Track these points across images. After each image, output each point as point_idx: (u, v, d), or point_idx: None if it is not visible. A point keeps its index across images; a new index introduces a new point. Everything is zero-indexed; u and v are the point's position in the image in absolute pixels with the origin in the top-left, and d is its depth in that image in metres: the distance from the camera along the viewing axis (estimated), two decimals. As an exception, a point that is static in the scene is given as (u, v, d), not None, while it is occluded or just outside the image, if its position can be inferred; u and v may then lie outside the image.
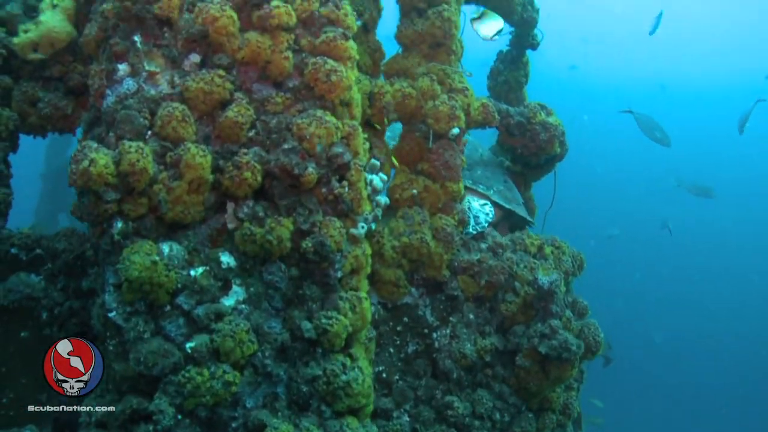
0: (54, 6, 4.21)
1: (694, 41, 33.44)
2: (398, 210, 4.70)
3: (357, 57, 4.06)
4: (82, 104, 4.30)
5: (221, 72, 3.73)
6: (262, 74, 3.86)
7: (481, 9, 5.20)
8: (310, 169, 3.72)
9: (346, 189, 3.87)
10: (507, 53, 6.40)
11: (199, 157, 3.56)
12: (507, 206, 5.59)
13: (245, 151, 3.68)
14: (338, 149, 3.82)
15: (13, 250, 4.09)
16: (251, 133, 3.76)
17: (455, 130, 4.71)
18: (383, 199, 4.21)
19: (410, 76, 4.87)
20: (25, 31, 4.14)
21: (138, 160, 3.46)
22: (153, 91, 3.69)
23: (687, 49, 33.49)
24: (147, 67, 3.73)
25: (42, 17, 4.17)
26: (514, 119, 5.26)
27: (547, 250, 5.10)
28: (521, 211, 5.77)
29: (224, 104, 3.75)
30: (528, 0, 5.71)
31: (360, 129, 4.00)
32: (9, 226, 4.26)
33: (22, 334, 4.09)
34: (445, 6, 4.90)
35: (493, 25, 5.14)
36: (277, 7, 3.83)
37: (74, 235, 4.16)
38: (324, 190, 3.82)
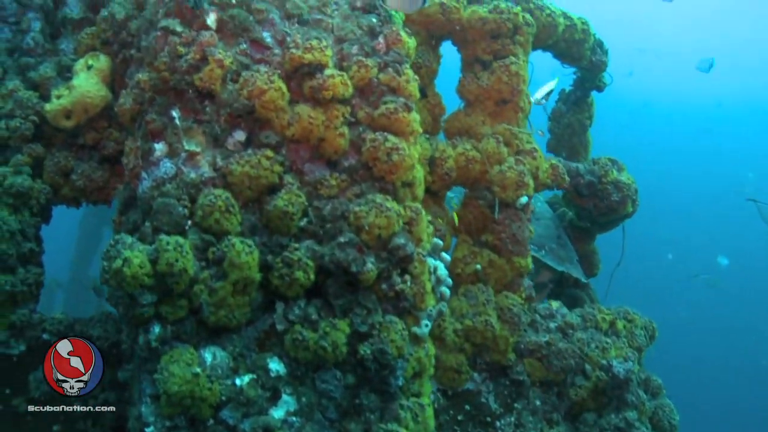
0: (89, 67, 3.74)
1: (752, 56, 31.08)
2: (460, 286, 4.14)
3: (420, 130, 3.51)
4: (117, 172, 3.82)
5: (269, 153, 3.22)
6: (315, 153, 3.34)
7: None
8: (369, 266, 3.19)
9: (409, 283, 3.33)
10: (570, 94, 5.78)
11: (245, 254, 3.06)
12: (560, 268, 5.03)
13: (296, 246, 3.17)
14: (400, 240, 3.28)
15: (45, 336, 3.65)
16: (303, 222, 3.24)
17: (523, 199, 4.14)
18: (447, 290, 3.66)
19: (474, 136, 4.30)
20: (58, 97, 3.69)
21: (177, 260, 2.97)
22: (193, 174, 3.20)
23: (744, 64, 31.10)
24: (186, 147, 3.23)
25: (75, 81, 3.70)
26: (584, 179, 4.65)
27: (619, 325, 4.51)
28: (575, 272, 5.21)
29: (272, 189, 3.24)
30: (598, 43, 5.08)
31: (423, 212, 3.45)
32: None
33: (55, 428, 3.65)
34: (513, 59, 4.32)
35: (544, 88, 4.55)
36: (332, 76, 3.30)
37: (109, 321, 3.71)
38: (384, 286, 3.29)
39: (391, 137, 3.37)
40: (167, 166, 3.22)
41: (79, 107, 3.69)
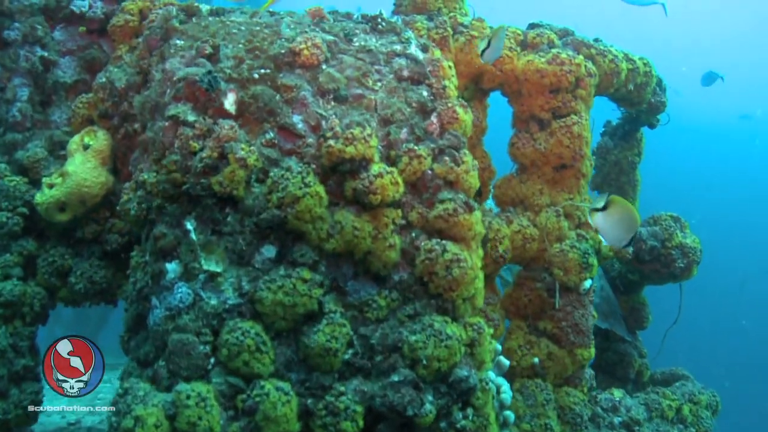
0: (85, 147, 3.05)
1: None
2: (514, 379, 3.50)
3: (483, 230, 2.83)
4: (123, 267, 3.15)
5: (305, 274, 2.56)
6: (360, 268, 2.66)
7: None
8: (428, 406, 2.56)
9: (471, 417, 2.70)
10: (617, 127, 5.06)
11: (281, 405, 2.43)
12: (603, 326, 4.42)
13: (342, 389, 2.52)
14: (462, 372, 2.64)
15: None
16: (348, 355, 2.59)
17: (587, 284, 3.48)
18: (512, 415, 3.02)
19: (530, 207, 3.61)
20: (50, 186, 3.00)
21: (200, 417, 2.35)
22: (215, 301, 2.54)
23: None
24: (205, 267, 2.56)
25: (70, 166, 3.00)
26: (646, 244, 3.98)
27: (686, 410, 3.91)
28: (620, 330, 4.60)
29: (310, 315, 2.57)
30: (659, 84, 4.34)
31: (486, 328, 2.80)
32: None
33: None
34: (575, 118, 3.60)
35: None
36: (380, 176, 2.61)
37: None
38: (443, 424, 2.66)
39: (450, 246, 2.69)
40: (183, 292, 2.55)
41: (75, 199, 3.00)
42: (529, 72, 3.64)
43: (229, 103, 2.72)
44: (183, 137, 2.62)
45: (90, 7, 3.41)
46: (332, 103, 2.83)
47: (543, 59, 3.64)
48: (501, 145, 3.85)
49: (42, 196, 3.01)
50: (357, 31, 3.10)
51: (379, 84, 2.92)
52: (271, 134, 2.71)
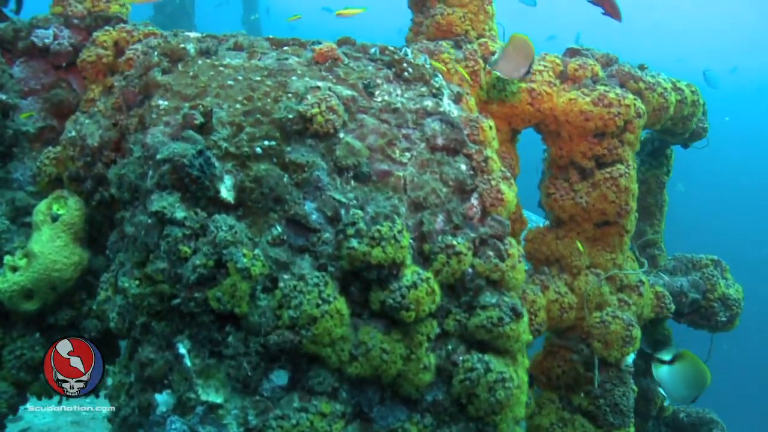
0: (54, 219, 2.44)
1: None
2: (543, 457, 3.06)
3: (530, 337, 2.31)
4: (105, 358, 2.59)
5: (324, 407, 2.04)
6: (387, 392, 2.13)
7: None
8: None
9: None
10: (645, 143, 4.46)
11: None
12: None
13: None
14: None
15: None
16: (373, 496, 2.08)
17: (629, 359, 2.99)
18: None
19: (566, 268, 3.07)
20: (13, 269, 2.42)
21: None
22: (215, 440, 2.00)
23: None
24: (203, 396, 2.04)
25: (35, 245, 2.41)
26: (687, 297, 3.48)
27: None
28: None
29: (329, 452, 2.05)
30: (705, 111, 3.74)
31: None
32: None
33: None
34: (621, 168, 3.02)
35: None
36: (414, 286, 2.05)
37: None
38: None
39: (494, 363, 2.18)
40: (177, 429, 2.01)
41: (44, 285, 2.42)
42: (572, 113, 3.03)
43: (227, 189, 2.12)
44: (171, 240, 2.02)
45: (55, 37, 2.72)
46: (352, 183, 2.23)
47: (588, 99, 3.02)
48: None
49: (4, 282, 2.42)
50: (378, 81, 2.47)
51: (408, 155, 2.32)
52: (279, 229, 2.13)
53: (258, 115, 2.26)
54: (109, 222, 2.57)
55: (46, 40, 2.70)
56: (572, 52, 3.32)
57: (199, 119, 2.16)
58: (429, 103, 2.46)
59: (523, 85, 3.03)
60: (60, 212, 2.50)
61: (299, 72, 2.47)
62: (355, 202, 2.20)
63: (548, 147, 3.23)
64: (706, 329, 3.72)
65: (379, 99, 2.42)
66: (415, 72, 2.54)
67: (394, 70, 2.55)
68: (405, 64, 2.55)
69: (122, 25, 2.73)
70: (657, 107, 3.24)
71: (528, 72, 2.56)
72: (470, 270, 2.26)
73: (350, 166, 2.23)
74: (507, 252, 2.31)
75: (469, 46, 3.08)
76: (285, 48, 2.68)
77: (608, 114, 2.99)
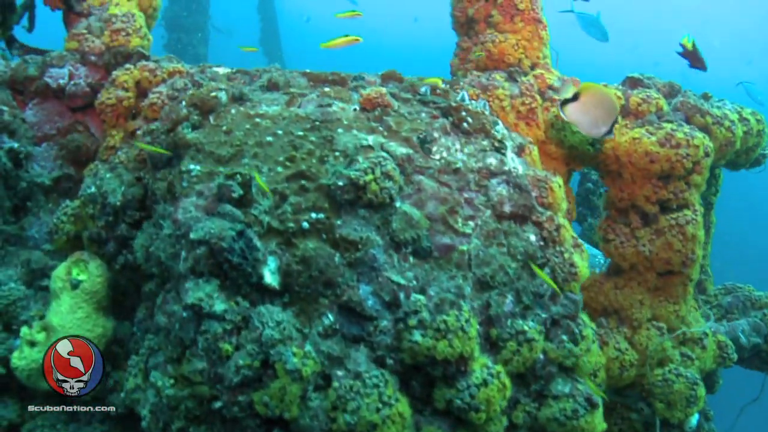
0: (74, 285, 2.16)
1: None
2: None
3: (605, 426, 2.03)
4: None
5: None
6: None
7: None
8: None
9: None
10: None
11: None
12: None
13: None
14: None
15: None
16: None
17: (694, 420, 2.72)
18: None
19: (626, 320, 2.79)
20: (31, 344, 2.15)
21: None
22: None
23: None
24: None
25: (54, 317, 2.15)
26: (747, 341, 3.18)
27: None
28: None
29: None
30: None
31: None
32: None
33: None
34: (688, 214, 2.71)
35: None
36: (484, 384, 1.78)
37: None
38: None
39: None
40: None
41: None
42: (636, 154, 2.70)
43: (271, 272, 1.82)
44: (210, 336, 1.73)
45: (70, 77, 2.40)
46: (411, 259, 1.93)
47: (653, 138, 2.69)
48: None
49: (21, 359, 2.15)
50: (435, 134, 2.14)
51: (471, 224, 2.01)
52: (331, 317, 1.83)
53: (303, 181, 1.95)
54: (134, 287, 2.29)
55: (61, 81, 2.38)
56: (633, 82, 2.97)
57: (236, 191, 1.86)
58: (492, 160, 2.14)
59: (583, 123, 2.69)
60: (80, 278, 2.21)
61: (345, 122, 2.15)
62: (415, 282, 1.90)
63: (606, 185, 2.92)
64: (765, 372, 3.44)
65: (437, 157, 2.10)
66: (474, 122, 2.22)
67: (451, 119, 2.22)
68: (464, 113, 2.23)
69: (144, 62, 2.40)
70: (724, 142, 2.91)
71: (609, 132, 2.24)
72: (542, 356, 1.97)
73: (408, 240, 1.93)
74: (581, 334, 2.02)
75: (524, 78, 2.74)
76: (326, 89, 2.35)
77: (676, 156, 2.67)
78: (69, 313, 2.17)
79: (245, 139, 2.05)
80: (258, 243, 1.81)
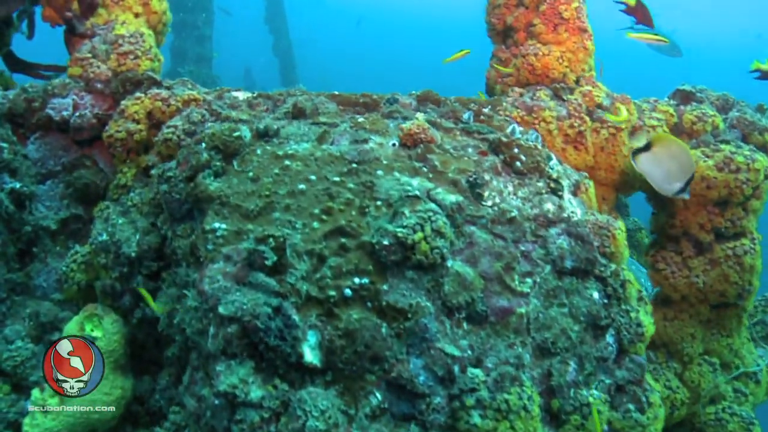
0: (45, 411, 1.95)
1: None
2: None
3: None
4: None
5: None
6: None
7: None
8: None
9: None
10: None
11: None
12: None
13: None
14: None
15: None
16: None
17: (749, 459, 2.51)
18: None
19: (676, 355, 2.59)
20: (43, 411, 1.95)
21: None
22: None
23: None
24: None
25: (68, 379, 1.90)
26: (795, 365, 2.97)
27: None
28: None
29: None
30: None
31: None
32: None
33: None
34: (746, 243, 2.48)
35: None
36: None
37: None
38: None
39: None
40: None
41: (82, 429, 1.93)
42: (693, 180, 2.44)
43: (311, 348, 1.59)
44: (246, 427, 1.51)
45: (75, 107, 2.13)
46: (465, 326, 1.70)
47: (710, 162, 2.43)
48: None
49: (34, 427, 1.93)
50: (486, 176, 1.89)
51: (530, 282, 1.78)
52: (379, 396, 1.61)
53: (342, 239, 1.71)
54: (154, 340, 2.06)
55: (65, 113, 2.11)
56: (684, 97, 2.69)
57: (270, 257, 1.61)
58: (550, 206, 1.89)
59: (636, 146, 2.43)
60: (95, 334, 1.99)
61: (385, 162, 1.90)
62: (470, 352, 1.68)
63: (655, 210, 2.67)
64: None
65: (490, 203, 1.85)
66: (528, 160, 1.96)
67: (502, 157, 1.97)
68: (516, 150, 1.97)
69: (156, 90, 2.13)
70: (782, 161, 2.66)
71: (684, 190, 2.00)
72: (606, 427, 1.76)
73: (462, 304, 1.70)
74: (648, 401, 1.81)
75: (571, 97, 2.47)
76: (359, 120, 2.08)
77: (735, 181, 2.41)
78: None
79: (275, 188, 1.79)
80: (296, 317, 1.58)
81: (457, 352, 1.66)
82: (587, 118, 2.44)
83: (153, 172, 2.03)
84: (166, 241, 1.99)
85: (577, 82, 2.61)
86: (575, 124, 2.39)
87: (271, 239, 1.64)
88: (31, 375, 2.02)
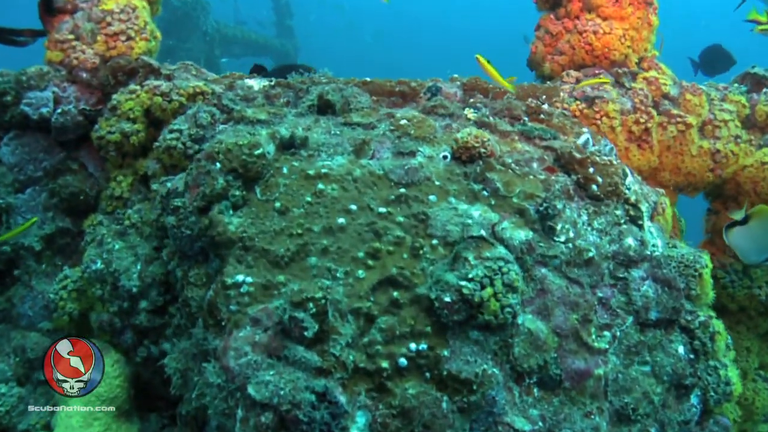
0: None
1: None
2: None
3: None
4: None
5: None
6: None
7: None
8: None
9: None
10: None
11: None
12: None
13: None
14: None
15: None
16: None
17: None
18: None
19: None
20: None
21: None
22: None
23: None
24: None
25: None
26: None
27: None
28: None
29: None
30: None
31: None
32: None
33: None
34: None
35: None
36: None
37: None
38: None
39: None
40: None
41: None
42: (763, 183, 2.11)
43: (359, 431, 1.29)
44: None
45: (56, 102, 1.69)
46: (536, 392, 1.41)
47: (788, 164, 2.09)
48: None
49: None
50: (558, 204, 1.54)
51: (608, 336, 1.47)
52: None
53: (394, 293, 1.37)
54: (161, 380, 1.75)
55: (44, 110, 1.68)
56: (755, 81, 2.30)
57: (310, 327, 1.27)
58: (631, 242, 1.56)
59: (705, 144, 2.08)
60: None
61: (437, 183, 1.54)
62: (541, 424, 1.39)
63: (715, 210, 2.35)
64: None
65: (563, 238, 1.51)
66: (605, 182, 1.61)
67: (575, 177, 1.60)
68: (591, 170, 1.61)
69: (154, 81, 1.69)
70: None
71: None
72: (684, 506, 1.52)
73: (534, 369, 1.40)
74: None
75: (635, 85, 2.07)
76: (401, 122, 1.69)
77: (814, 187, 2.09)
78: (82, 428, 1.65)
79: (308, 223, 1.43)
80: (343, 398, 1.27)
81: (527, 427, 1.38)
82: (653, 112, 2.06)
83: (154, 187, 1.64)
84: (171, 273, 1.63)
85: (638, 63, 2.21)
86: (641, 120, 2.02)
87: (310, 304, 1.29)
88: (20, 423, 1.71)
